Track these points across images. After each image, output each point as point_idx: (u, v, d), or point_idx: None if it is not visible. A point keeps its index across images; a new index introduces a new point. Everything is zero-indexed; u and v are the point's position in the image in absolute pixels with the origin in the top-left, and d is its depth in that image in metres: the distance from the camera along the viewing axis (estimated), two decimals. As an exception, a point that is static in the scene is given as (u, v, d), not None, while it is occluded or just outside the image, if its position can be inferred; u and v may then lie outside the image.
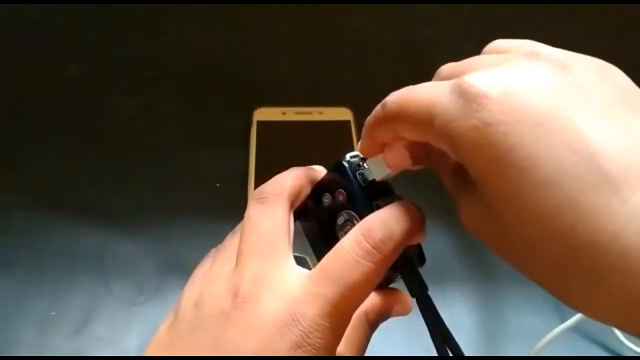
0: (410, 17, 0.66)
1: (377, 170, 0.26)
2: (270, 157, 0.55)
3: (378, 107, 0.24)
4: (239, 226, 0.28)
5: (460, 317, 0.48)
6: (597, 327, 0.47)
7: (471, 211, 0.22)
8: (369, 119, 0.25)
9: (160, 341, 0.26)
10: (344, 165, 0.27)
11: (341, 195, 0.27)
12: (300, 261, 0.26)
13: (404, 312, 0.29)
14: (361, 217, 0.26)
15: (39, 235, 0.52)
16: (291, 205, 0.27)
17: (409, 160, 0.25)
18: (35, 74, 0.62)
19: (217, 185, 0.55)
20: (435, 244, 0.51)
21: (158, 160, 0.57)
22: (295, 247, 0.27)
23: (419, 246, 0.26)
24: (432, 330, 0.25)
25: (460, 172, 0.23)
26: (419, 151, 0.25)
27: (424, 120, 0.21)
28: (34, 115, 0.60)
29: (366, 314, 0.28)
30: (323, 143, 0.55)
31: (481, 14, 0.66)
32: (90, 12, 0.66)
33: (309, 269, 0.25)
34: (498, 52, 0.23)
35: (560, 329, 0.44)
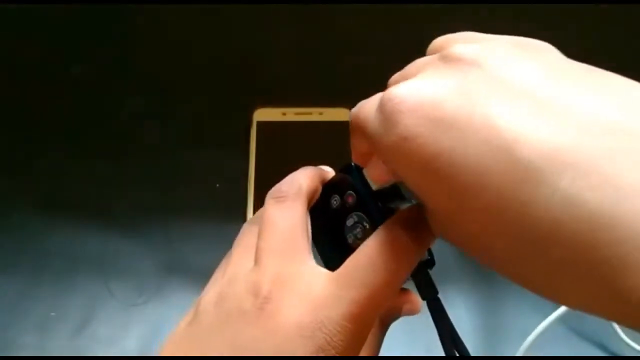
0: (410, 17, 0.66)
1: (371, 180, 0.26)
2: (270, 157, 0.55)
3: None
4: (255, 217, 0.28)
5: (459, 316, 0.48)
6: (596, 325, 0.47)
7: (430, 218, 0.22)
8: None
9: (178, 339, 0.25)
10: (354, 167, 0.27)
11: (350, 197, 0.27)
12: None
13: (414, 311, 0.29)
14: (371, 219, 0.25)
15: (39, 235, 0.52)
16: (308, 205, 0.27)
17: (390, 173, 0.25)
18: (35, 74, 0.62)
19: (217, 185, 0.55)
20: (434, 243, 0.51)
21: (158, 160, 0.57)
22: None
23: (429, 250, 0.26)
24: (441, 334, 0.25)
25: None
26: None
27: (367, 136, 0.22)
28: (34, 115, 0.60)
29: (379, 314, 0.28)
30: (323, 143, 0.55)
31: (481, 14, 0.66)
32: (91, 12, 0.66)
33: None
34: (435, 50, 0.23)
35: (548, 320, 0.44)
